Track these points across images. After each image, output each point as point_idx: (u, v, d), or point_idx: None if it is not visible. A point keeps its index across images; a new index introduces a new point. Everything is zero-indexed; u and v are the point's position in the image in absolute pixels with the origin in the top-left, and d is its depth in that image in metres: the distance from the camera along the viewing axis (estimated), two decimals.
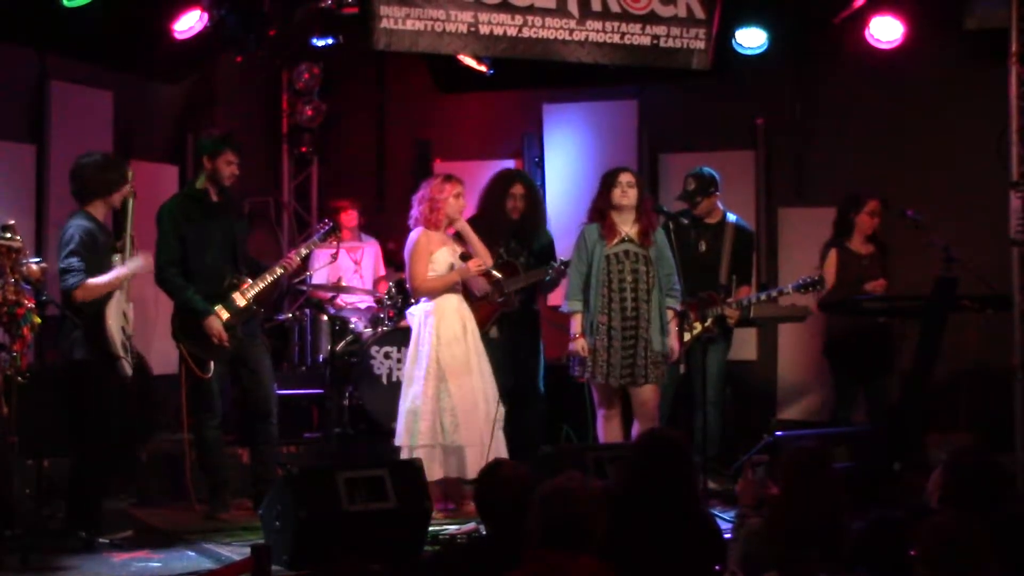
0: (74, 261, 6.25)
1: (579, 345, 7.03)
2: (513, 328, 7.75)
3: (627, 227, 7.08)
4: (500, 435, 6.83)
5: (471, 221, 7.56)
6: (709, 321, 7.53)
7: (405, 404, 6.90)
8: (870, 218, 8.02)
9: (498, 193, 7.82)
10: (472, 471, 6.66)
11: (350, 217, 9.06)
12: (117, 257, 6.43)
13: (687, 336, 7.32)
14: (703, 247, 7.89)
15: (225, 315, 6.86)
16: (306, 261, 7.54)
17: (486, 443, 6.74)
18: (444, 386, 6.79)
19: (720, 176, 7.99)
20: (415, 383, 6.88)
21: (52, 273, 6.45)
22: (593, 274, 7.02)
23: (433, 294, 6.94)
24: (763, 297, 7.78)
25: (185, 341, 6.86)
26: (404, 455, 6.77)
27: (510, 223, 7.78)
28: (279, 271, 7.09)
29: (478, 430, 6.80)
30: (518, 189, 7.81)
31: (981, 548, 3.58)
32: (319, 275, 8.64)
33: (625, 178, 7.09)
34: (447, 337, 6.84)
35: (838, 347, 8.11)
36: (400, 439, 6.88)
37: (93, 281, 6.28)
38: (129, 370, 6.39)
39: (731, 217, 8.02)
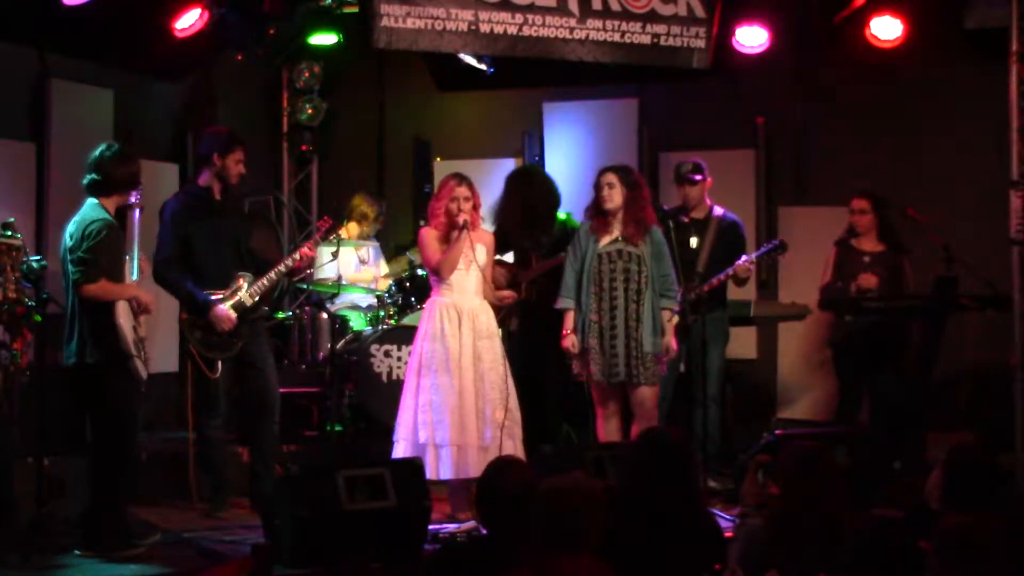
0: (96, 257, 5.89)
1: (569, 342, 7.01)
2: (534, 322, 7.78)
3: (620, 226, 7.05)
4: (508, 441, 6.70)
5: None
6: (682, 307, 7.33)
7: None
8: (854, 216, 8.00)
9: (515, 192, 7.91)
10: (456, 472, 6.62)
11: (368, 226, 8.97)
12: (127, 257, 6.11)
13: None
14: (694, 243, 7.86)
15: (233, 314, 6.83)
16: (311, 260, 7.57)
17: (487, 447, 6.64)
18: (422, 383, 6.73)
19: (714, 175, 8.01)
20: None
21: (52, 271, 6.41)
22: (585, 272, 7.00)
23: (452, 264, 6.76)
24: (730, 272, 7.57)
25: (195, 341, 6.84)
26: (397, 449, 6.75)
27: (531, 217, 7.87)
28: (289, 263, 7.04)
29: (464, 431, 6.65)
30: (537, 186, 7.95)
31: (996, 547, 3.59)
32: (320, 273, 8.62)
33: (606, 179, 6.99)
34: (430, 333, 6.77)
35: (842, 345, 8.09)
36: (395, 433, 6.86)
37: (110, 284, 5.96)
38: (144, 371, 6.06)
39: (717, 210, 7.98)
